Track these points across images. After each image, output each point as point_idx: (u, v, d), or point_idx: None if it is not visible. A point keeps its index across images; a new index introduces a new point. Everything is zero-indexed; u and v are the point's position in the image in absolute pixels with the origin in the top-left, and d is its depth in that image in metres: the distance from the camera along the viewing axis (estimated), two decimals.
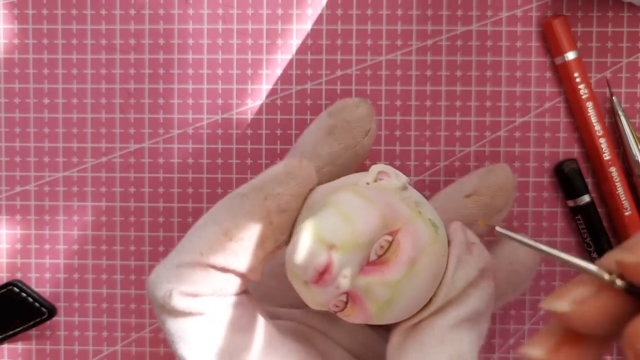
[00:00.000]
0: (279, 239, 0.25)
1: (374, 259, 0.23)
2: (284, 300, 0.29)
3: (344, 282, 0.23)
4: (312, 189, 0.26)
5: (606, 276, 0.19)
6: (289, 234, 0.25)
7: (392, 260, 0.23)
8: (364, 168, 0.27)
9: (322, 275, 0.22)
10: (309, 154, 0.28)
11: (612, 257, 0.19)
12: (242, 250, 0.24)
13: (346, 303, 0.24)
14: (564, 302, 0.19)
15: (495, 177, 0.29)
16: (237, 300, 0.25)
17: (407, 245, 0.23)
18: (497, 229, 0.22)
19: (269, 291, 0.29)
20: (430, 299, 0.25)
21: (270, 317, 0.27)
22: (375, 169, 0.25)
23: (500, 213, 0.29)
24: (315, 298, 0.23)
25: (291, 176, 0.25)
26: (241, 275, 0.24)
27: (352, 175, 0.26)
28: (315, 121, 0.29)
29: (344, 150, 0.28)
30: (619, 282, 0.18)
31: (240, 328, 0.25)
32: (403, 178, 0.25)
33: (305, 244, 0.22)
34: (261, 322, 0.25)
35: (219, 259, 0.24)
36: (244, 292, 0.25)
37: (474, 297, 0.25)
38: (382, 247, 0.23)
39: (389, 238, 0.23)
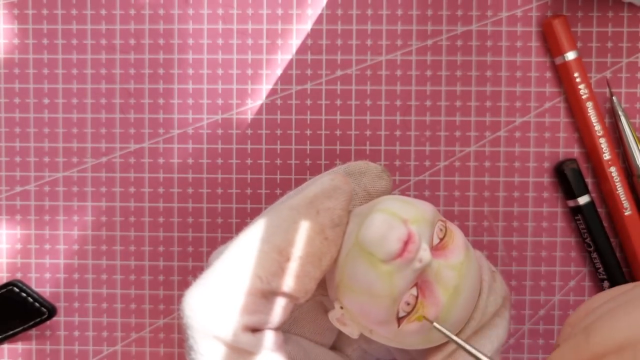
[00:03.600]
0: (334, 254, 0.23)
1: (437, 242, 0.24)
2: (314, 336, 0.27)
3: (426, 255, 0.23)
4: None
5: None
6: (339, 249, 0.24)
7: (450, 245, 0.24)
8: None
9: (407, 244, 0.22)
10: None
11: None
12: (301, 269, 0.22)
13: (417, 298, 0.23)
14: None
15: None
16: (284, 335, 0.23)
17: (457, 233, 0.25)
18: (435, 325, 0.23)
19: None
20: (466, 323, 0.25)
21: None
22: None
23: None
24: (394, 283, 0.22)
25: (339, 190, 0.24)
26: (296, 299, 0.22)
27: None
28: (329, 176, 0.26)
29: (352, 193, 0.26)
30: None
31: None
32: None
33: (381, 219, 0.22)
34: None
35: (280, 283, 0.22)
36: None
37: (501, 327, 0.25)
38: (441, 230, 0.24)
39: (443, 224, 0.24)
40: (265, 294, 0.21)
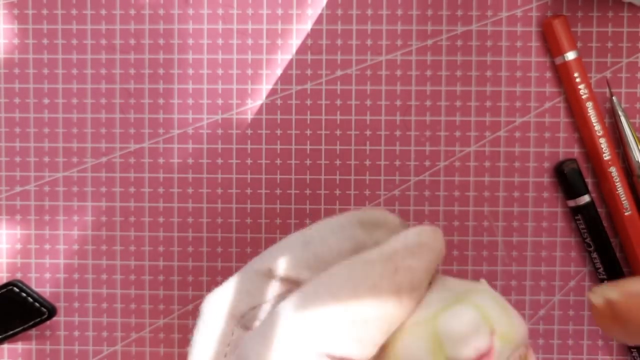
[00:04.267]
0: (404, 320, 0.20)
1: None
2: None
3: None
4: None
5: None
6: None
7: None
8: None
9: (482, 358, 0.20)
10: (327, 266, 0.22)
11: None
12: (365, 335, 0.19)
13: None
14: (612, 290, 0.19)
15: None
16: None
17: None
18: None
19: None
20: None
21: None
22: None
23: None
24: None
25: (425, 248, 0.21)
26: None
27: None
28: (340, 222, 0.23)
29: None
30: None
31: None
32: None
33: (470, 318, 0.20)
34: None
35: (340, 348, 0.19)
36: None
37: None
38: (520, 356, 0.21)
39: (525, 351, 0.22)
40: (323, 356, 0.19)
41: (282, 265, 0.22)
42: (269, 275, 0.22)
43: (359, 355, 0.19)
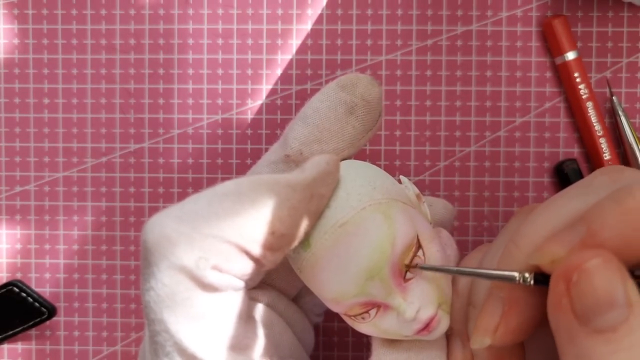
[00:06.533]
0: (301, 238, 0.23)
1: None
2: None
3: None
4: None
5: (517, 276, 0.20)
6: None
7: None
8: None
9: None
10: (325, 131, 0.25)
11: (520, 264, 0.20)
12: (278, 246, 0.22)
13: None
14: (483, 338, 0.20)
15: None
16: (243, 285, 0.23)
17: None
18: (420, 265, 0.23)
19: None
20: None
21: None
22: (413, 189, 0.26)
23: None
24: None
25: (332, 176, 0.23)
26: (263, 266, 0.23)
27: (395, 184, 0.26)
28: (325, 94, 0.26)
29: (364, 132, 0.26)
30: (528, 278, 0.20)
31: (242, 313, 0.23)
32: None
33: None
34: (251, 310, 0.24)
35: (258, 250, 0.22)
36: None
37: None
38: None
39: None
40: (242, 250, 0.22)
41: (293, 145, 0.25)
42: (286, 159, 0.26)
43: (270, 261, 0.22)
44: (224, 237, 0.21)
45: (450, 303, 0.25)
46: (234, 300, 0.23)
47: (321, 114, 0.26)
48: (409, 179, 0.27)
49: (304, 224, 0.22)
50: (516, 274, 0.20)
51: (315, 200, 0.22)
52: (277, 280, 0.27)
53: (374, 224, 0.23)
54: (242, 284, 0.23)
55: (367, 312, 0.24)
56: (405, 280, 0.23)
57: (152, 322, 0.22)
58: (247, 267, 0.22)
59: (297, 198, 0.22)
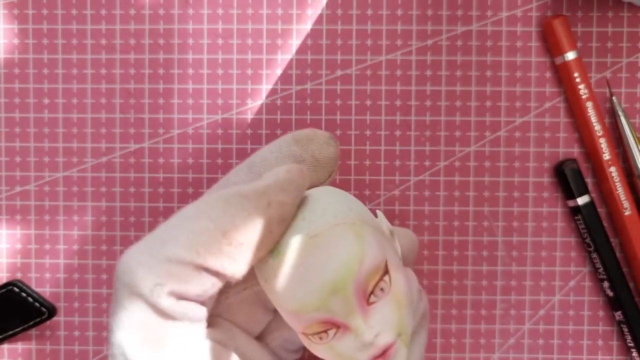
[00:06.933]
0: (270, 246, 0.23)
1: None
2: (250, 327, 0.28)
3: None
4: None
5: None
6: None
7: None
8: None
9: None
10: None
11: None
12: (239, 255, 0.22)
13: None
14: None
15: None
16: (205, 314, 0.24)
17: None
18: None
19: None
20: None
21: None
22: (387, 225, 0.26)
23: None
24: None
25: (294, 184, 0.23)
26: (228, 279, 0.23)
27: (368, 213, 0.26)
28: (277, 145, 0.27)
29: (306, 188, 0.26)
30: None
31: (202, 344, 0.23)
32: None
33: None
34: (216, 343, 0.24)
35: (216, 262, 0.22)
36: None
37: (419, 307, 0.27)
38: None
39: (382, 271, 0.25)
40: (198, 268, 0.22)
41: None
42: None
43: (232, 271, 0.22)
44: (178, 258, 0.22)
45: (410, 336, 0.25)
46: (190, 331, 0.23)
47: (267, 164, 0.26)
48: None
49: (264, 231, 0.23)
50: None
51: (274, 208, 0.23)
52: (239, 315, 0.27)
53: (345, 241, 0.23)
54: (202, 313, 0.23)
55: (325, 331, 0.24)
56: (369, 303, 0.24)
57: (112, 345, 0.23)
58: (207, 283, 0.22)
59: (252, 206, 0.22)
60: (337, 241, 0.23)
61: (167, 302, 0.22)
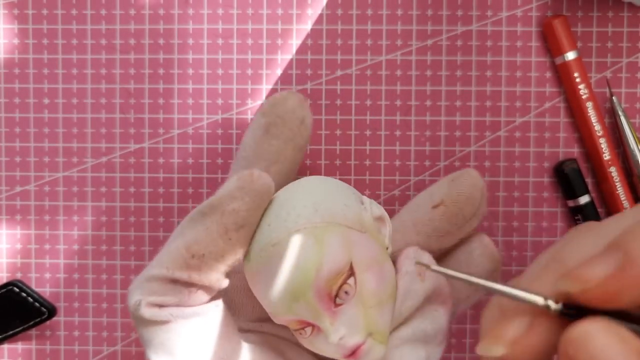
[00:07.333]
0: (239, 252, 0.25)
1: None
2: (253, 315, 0.29)
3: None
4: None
5: (541, 302, 0.18)
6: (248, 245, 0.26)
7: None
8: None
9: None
10: (252, 157, 0.28)
11: (552, 287, 0.19)
12: (203, 265, 0.25)
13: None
14: (499, 346, 0.19)
15: (461, 185, 0.27)
16: (202, 310, 0.25)
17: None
18: (433, 267, 0.22)
19: (238, 306, 0.29)
20: None
21: (241, 331, 0.28)
22: (379, 213, 0.26)
23: (470, 222, 0.28)
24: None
25: (244, 191, 0.25)
26: (204, 287, 0.25)
27: (349, 199, 0.26)
28: (251, 123, 0.29)
29: (284, 145, 0.28)
30: (553, 306, 0.18)
31: (205, 336, 0.25)
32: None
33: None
34: (227, 331, 0.26)
35: (182, 274, 0.24)
36: (213, 300, 0.26)
37: (418, 319, 0.26)
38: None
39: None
40: (172, 281, 0.25)
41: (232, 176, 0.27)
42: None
43: (201, 279, 0.25)
44: (153, 275, 0.25)
45: (387, 335, 0.25)
46: (189, 326, 0.25)
47: (245, 144, 0.29)
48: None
49: (223, 240, 0.24)
50: (541, 299, 0.18)
51: (227, 216, 0.24)
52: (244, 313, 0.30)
53: (302, 248, 0.24)
54: (191, 310, 0.25)
55: (302, 329, 0.25)
56: (336, 305, 0.24)
57: None
58: (183, 292, 0.25)
59: (209, 219, 0.25)
60: (294, 249, 0.24)
61: (148, 312, 0.24)
